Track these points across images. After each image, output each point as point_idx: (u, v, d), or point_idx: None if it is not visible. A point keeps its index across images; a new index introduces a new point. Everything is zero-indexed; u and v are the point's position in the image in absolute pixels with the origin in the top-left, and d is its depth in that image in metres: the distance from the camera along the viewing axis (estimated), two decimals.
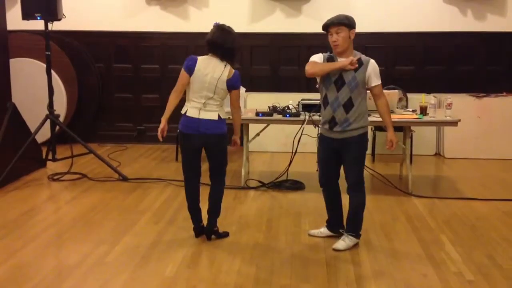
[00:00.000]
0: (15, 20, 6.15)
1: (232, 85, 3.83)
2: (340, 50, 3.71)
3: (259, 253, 3.78)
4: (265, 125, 5.51)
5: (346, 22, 3.67)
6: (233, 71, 3.84)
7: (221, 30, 3.84)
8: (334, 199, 4.03)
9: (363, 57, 3.74)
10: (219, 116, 3.83)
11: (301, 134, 5.08)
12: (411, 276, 3.44)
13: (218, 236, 4.02)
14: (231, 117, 4.06)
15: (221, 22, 3.93)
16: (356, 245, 3.88)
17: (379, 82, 3.75)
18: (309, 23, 7.12)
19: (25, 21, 5.72)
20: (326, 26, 3.71)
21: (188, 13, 7.26)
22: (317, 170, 5.58)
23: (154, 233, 4.13)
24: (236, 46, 3.85)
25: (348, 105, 3.71)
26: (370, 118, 5.08)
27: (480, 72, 7.18)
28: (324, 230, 4.10)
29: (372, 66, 3.72)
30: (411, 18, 7.06)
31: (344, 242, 3.86)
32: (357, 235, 3.90)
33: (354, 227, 3.90)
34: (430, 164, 6.51)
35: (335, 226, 4.05)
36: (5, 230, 4.20)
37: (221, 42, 3.79)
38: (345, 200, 3.97)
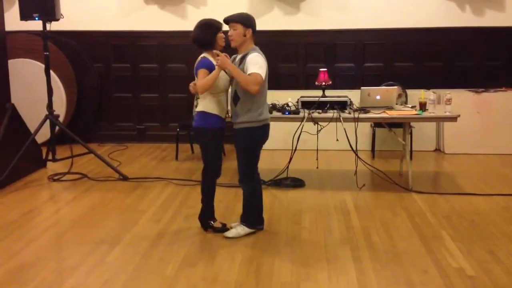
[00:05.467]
0: (13, 21, 6.15)
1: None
2: (234, 45, 3.91)
3: (260, 251, 3.79)
4: None
5: (238, 20, 3.90)
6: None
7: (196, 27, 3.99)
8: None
9: (251, 52, 3.84)
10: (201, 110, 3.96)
11: (301, 131, 5.08)
12: (412, 272, 3.44)
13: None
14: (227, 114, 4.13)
15: (219, 20, 4.00)
16: (251, 234, 4.03)
17: (253, 70, 3.77)
18: (307, 20, 7.11)
19: (23, 22, 5.71)
20: (225, 22, 3.92)
21: (186, 12, 7.24)
22: (317, 167, 5.63)
23: (154, 232, 4.14)
24: (195, 37, 3.94)
25: (235, 99, 3.90)
26: (368, 115, 5.11)
27: (479, 68, 7.17)
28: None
29: (249, 58, 3.82)
30: (410, 14, 7.04)
31: (235, 230, 4.03)
32: (250, 225, 4.05)
33: (247, 217, 4.06)
34: (430, 160, 6.50)
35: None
36: (5, 231, 4.20)
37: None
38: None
